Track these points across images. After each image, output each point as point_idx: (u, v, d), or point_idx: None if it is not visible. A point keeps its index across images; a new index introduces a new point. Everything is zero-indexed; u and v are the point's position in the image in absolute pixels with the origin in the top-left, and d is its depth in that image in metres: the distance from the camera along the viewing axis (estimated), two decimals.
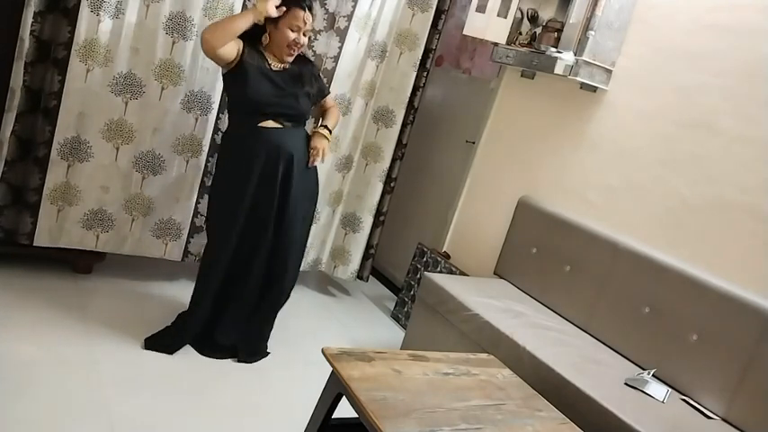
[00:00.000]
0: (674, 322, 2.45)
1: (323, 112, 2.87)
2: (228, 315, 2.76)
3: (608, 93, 3.00)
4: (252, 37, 2.57)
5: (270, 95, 2.55)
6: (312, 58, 3.21)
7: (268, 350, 2.86)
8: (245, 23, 2.45)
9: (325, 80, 3.27)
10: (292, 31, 2.54)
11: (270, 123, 2.59)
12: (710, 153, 2.57)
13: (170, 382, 2.46)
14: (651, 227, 2.73)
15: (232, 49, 2.48)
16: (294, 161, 2.62)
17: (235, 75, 2.54)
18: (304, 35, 2.58)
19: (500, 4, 3.04)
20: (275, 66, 2.61)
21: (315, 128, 2.80)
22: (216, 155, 2.79)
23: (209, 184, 2.78)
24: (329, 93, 2.94)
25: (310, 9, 2.57)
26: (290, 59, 2.62)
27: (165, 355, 2.62)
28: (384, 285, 4.24)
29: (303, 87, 2.66)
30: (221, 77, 2.69)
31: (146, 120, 2.96)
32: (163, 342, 2.65)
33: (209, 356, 2.71)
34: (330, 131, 2.77)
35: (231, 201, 2.62)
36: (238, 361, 2.73)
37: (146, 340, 2.66)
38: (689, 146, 2.65)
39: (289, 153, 2.60)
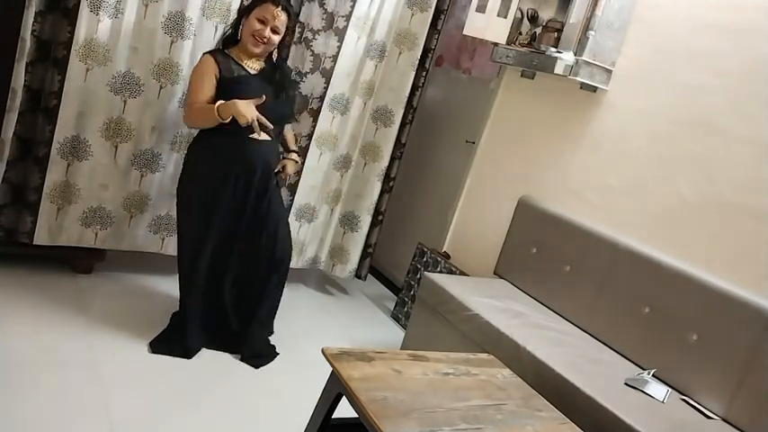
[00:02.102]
0: (674, 322, 2.45)
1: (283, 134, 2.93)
2: (231, 310, 2.78)
3: (608, 93, 3.00)
4: (227, 38, 2.68)
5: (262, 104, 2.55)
6: (311, 59, 3.21)
7: (277, 351, 2.86)
8: (211, 119, 2.47)
9: (323, 80, 3.29)
10: (259, 21, 2.55)
11: (262, 136, 2.59)
12: (710, 153, 2.57)
13: (170, 381, 2.45)
14: (651, 227, 2.73)
15: (211, 92, 2.55)
16: (271, 171, 2.72)
17: (221, 90, 2.55)
18: (273, 32, 2.57)
19: (500, 4, 3.04)
20: (252, 69, 2.63)
21: (284, 156, 2.89)
22: (189, 159, 2.72)
23: (177, 186, 2.73)
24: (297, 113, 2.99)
25: (284, 9, 2.57)
26: (255, 50, 2.60)
27: (165, 354, 2.61)
28: (384, 285, 4.24)
29: (285, 90, 2.70)
30: None
31: (144, 118, 2.96)
32: (171, 346, 2.64)
33: (216, 350, 2.73)
34: (298, 153, 2.98)
35: (214, 209, 2.61)
36: (255, 366, 2.73)
37: (151, 344, 2.65)
38: (689, 146, 2.65)
39: (271, 166, 2.70)
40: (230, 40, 2.67)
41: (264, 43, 2.58)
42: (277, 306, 2.92)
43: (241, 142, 2.57)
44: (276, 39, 2.60)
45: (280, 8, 2.54)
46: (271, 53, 2.71)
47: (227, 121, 2.45)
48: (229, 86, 2.54)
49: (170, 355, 2.61)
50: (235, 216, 2.66)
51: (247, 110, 2.42)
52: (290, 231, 2.91)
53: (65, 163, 2.86)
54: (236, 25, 2.66)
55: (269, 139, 2.63)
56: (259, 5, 2.55)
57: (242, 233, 2.70)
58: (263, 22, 2.55)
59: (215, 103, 2.48)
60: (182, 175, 2.72)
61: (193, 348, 2.68)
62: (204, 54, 2.61)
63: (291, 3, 2.68)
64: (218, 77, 2.55)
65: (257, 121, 2.44)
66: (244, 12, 2.62)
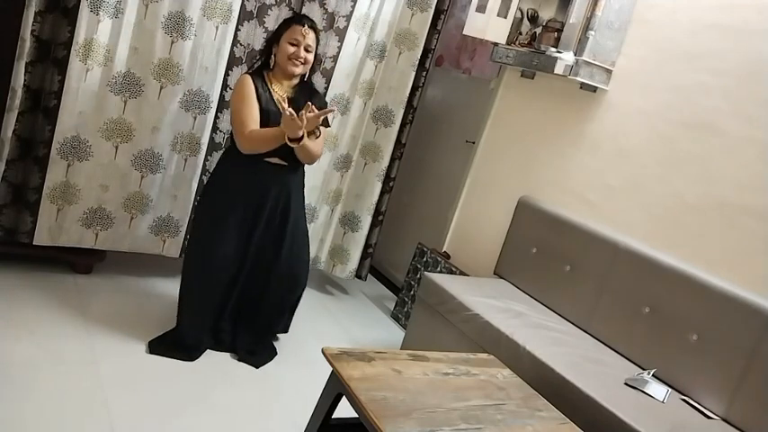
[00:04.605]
0: (674, 322, 2.45)
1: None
2: (233, 318, 2.79)
3: (608, 93, 3.00)
4: (260, 66, 2.69)
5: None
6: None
7: (276, 351, 2.87)
8: (277, 143, 2.47)
9: (324, 80, 3.29)
10: (291, 45, 2.59)
11: (276, 160, 2.61)
12: (710, 153, 2.57)
13: (170, 381, 2.45)
14: (651, 227, 2.73)
15: (257, 112, 2.55)
16: (291, 197, 2.71)
17: None
18: (307, 51, 2.59)
19: (500, 4, 3.04)
20: (281, 96, 2.63)
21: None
22: (210, 176, 2.78)
23: (197, 204, 2.76)
24: (329, 127, 2.89)
25: (311, 27, 2.60)
26: (296, 71, 2.61)
27: (163, 356, 2.61)
28: (384, 285, 4.24)
29: None
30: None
31: (144, 119, 2.96)
32: (168, 348, 2.64)
33: (216, 350, 2.74)
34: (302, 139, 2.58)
35: (225, 228, 2.63)
36: (255, 365, 2.73)
37: (149, 344, 2.65)
38: (689, 146, 2.65)
39: (287, 190, 2.68)
40: (263, 67, 2.68)
41: (303, 63, 2.61)
42: (280, 312, 2.92)
43: (256, 165, 2.60)
44: (310, 57, 2.63)
45: (306, 27, 2.59)
46: (302, 76, 2.71)
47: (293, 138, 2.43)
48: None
49: (171, 357, 2.61)
50: (247, 234, 2.67)
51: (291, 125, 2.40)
52: (302, 260, 2.87)
53: (65, 163, 2.86)
54: (266, 53, 2.68)
55: (284, 164, 2.64)
56: (286, 30, 2.60)
57: (253, 252, 2.71)
58: (294, 44, 2.58)
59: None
60: (205, 185, 2.78)
61: (197, 350, 2.67)
62: (243, 75, 2.62)
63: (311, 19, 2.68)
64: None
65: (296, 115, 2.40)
66: (272, 40, 2.65)
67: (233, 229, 2.64)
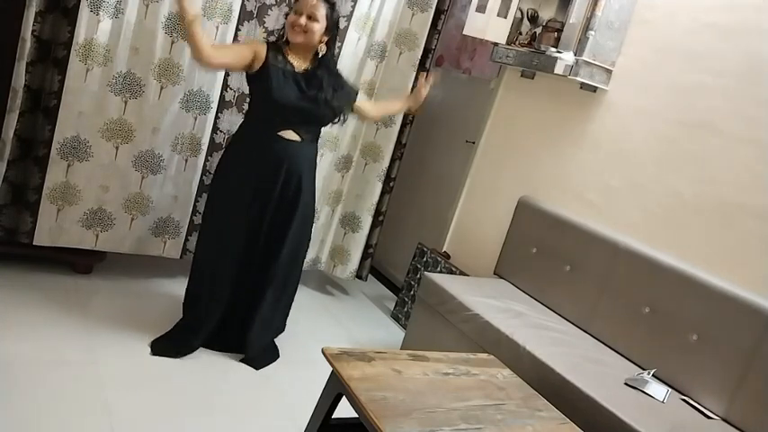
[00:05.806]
0: (674, 322, 2.45)
1: (379, 108, 3.08)
2: (237, 314, 2.78)
3: (608, 93, 3.00)
4: (278, 40, 2.68)
5: (293, 97, 2.55)
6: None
7: (279, 353, 2.87)
8: (190, 33, 2.35)
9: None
10: (295, 14, 2.57)
11: (290, 135, 2.60)
12: (710, 153, 2.57)
13: (170, 381, 2.46)
14: (651, 227, 2.73)
15: (233, 57, 2.52)
16: (303, 176, 2.68)
17: (259, 76, 2.55)
18: (310, 19, 2.54)
19: (500, 4, 3.04)
20: (298, 67, 2.61)
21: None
22: (222, 152, 2.77)
23: (209, 183, 2.78)
24: (357, 93, 2.87)
25: None
26: (297, 39, 2.56)
27: (166, 356, 2.61)
28: (384, 285, 4.24)
29: (324, 94, 2.62)
30: (245, 79, 2.68)
31: (145, 119, 2.96)
32: (170, 347, 2.64)
33: (218, 350, 2.74)
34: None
35: (236, 205, 2.63)
36: (256, 367, 2.74)
37: (152, 345, 2.64)
38: (689, 146, 2.65)
39: (299, 168, 2.66)
40: (280, 40, 2.67)
41: (305, 31, 2.55)
42: (284, 306, 2.92)
43: (269, 140, 2.59)
44: (315, 26, 2.55)
45: None
46: (317, 52, 2.64)
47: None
48: (270, 73, 2.53)
49: (174, 357, 2.61)
50: (257, 213, 2.66)
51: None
52: (302, 248, 2.87)
53: (65, 163, 2.86)
54: (283, 27, 2.66)
55: (298, 139, 2.63)
56: (297, 1, 2.60)
57: (263, 233, 2.69)
58: (297, 13, 2.56)
59: (219, 54, 2.48)
60: (219, 160, 2.76)
61: (185, 351, 2.66)
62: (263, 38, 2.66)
63: None
64: (264, 63, 2.54)
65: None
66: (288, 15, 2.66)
67: (245, 205, 2.63)
